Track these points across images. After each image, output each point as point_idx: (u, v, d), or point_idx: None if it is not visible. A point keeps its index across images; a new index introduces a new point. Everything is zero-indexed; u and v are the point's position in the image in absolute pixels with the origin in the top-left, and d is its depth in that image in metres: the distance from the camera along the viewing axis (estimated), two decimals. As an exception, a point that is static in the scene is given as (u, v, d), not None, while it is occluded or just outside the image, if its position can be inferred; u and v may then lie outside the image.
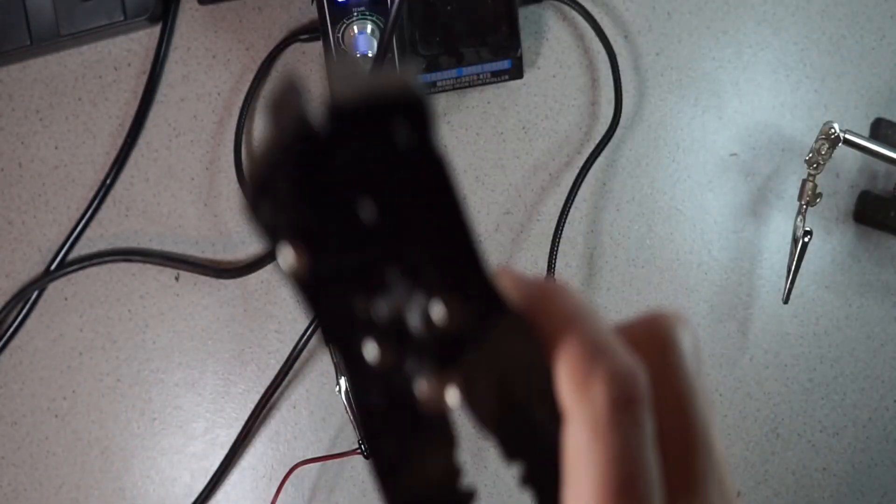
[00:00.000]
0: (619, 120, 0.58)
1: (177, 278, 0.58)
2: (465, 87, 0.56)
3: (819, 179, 0.56)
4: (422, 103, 0.17)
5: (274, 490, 0.57)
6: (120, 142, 0.57)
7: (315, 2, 0.51)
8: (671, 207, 0.60)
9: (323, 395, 0.59)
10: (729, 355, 0.62)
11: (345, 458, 0.58)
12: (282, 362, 0.58)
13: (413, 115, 0.17)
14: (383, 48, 0.48)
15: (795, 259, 0.57)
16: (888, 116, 0.60)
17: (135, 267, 0.58)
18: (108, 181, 0.57)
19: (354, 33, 0.50)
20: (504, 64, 0.55)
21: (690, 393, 0.21)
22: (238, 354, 0.59)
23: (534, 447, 0.21)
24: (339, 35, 0.51)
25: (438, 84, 0.55)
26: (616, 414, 0.19)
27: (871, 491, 0.63)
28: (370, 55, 0.50)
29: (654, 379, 0.20)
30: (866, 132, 0.60)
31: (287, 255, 0.18)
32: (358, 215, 0.18)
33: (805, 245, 0.57)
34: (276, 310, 0.58)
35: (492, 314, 0.20)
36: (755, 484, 0.63)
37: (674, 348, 0.21)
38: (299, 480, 0.59)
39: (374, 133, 0.17)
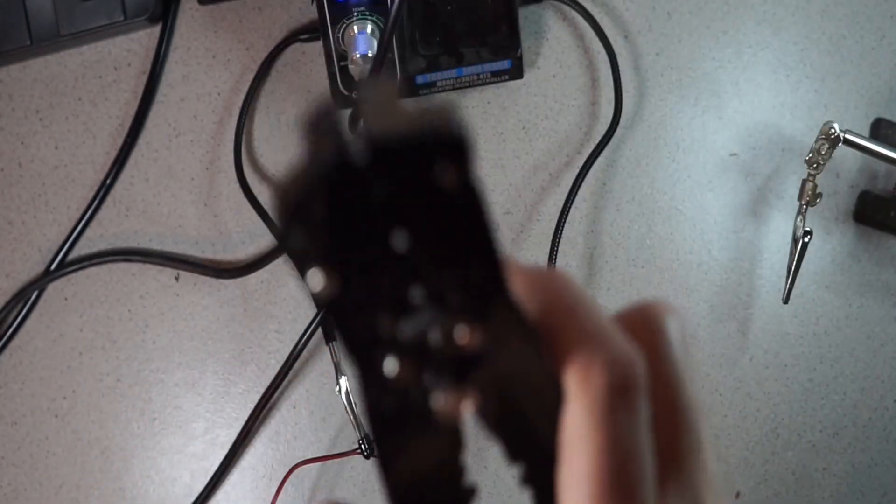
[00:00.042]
0: (619, 120, 0.58)
1: (177, 278, 0.58)
2: (465, 87, 0.56)
3: (819, 179, 0.56)
4: (465, 143, 0.17)
5: (274, 490, 0.57)
6: (120, 142, 0.57)
7: (315, 2, 0.51)
8: (671, 207, 0.60)
9: (323, 395, 0.59)
10: (729, 355, 0.62)
11: (345, 458, 0.58)
12: (282, 362, 0.58)
13: (455, 155, 0.17)
14: (383, 48, 0.48)
15: (795, 259, 0.57)
16: (888, 116, 0.61)
17: (135, 267, 0.58)
18: (108, 181, 0.57)
19: (354, 33, 0.50)
20: (504, 64, 0.55)
21: (678, 379, 0.21)
22: (238, 354, 0.59)
23: (535, 447, 0.21)
24: (339, 35, 0.51)
25: (438, 84, 0.55)
26: (614, 399, 0.19)
27: (871, 491, 0.63)
28: (370, 55, 0.50)
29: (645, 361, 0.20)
30: (866, 132, 0.60)
31: (317, 280, 0.18)
32: (390, 244, 0.18)
33: (805, 245, 0.57)
34: (276, 310, 0.58)
35: (509, 326, 0.20)
36: (755, 484, 0.63)
37: (662, 336, 0.22)
38: (299, 480, 0.59)
39: (415, 169, 0.17)
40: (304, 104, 0.58)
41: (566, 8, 0.58)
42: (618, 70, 0.58)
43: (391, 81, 0.51)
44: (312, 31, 0.56)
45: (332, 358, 0.56)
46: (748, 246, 0.61)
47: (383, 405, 0.20)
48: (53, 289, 0.57)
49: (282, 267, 0.58)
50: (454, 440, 0.21)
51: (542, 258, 0.59)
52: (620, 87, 0.58)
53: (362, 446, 0.56)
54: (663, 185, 0.60)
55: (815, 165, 0.55)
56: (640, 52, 0.59)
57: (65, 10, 0.53)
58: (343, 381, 0.55)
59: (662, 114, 0.60)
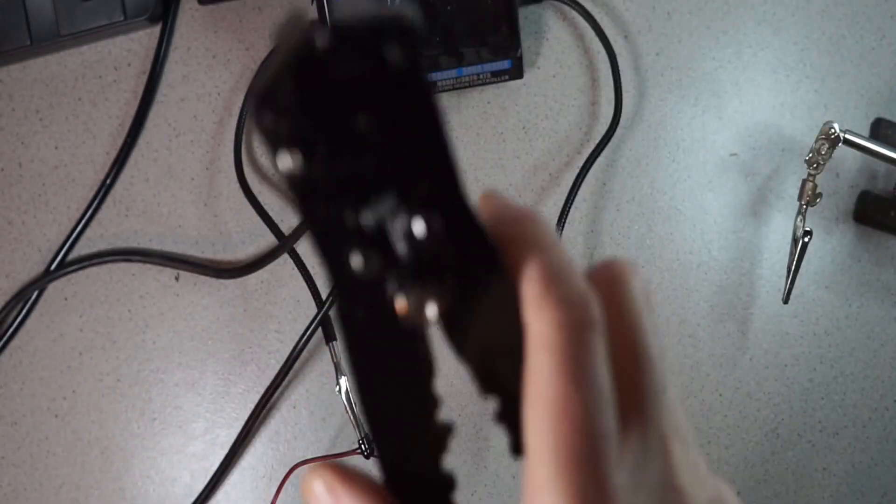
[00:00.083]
0: (619, 120, 0.58)
1: (177, 278, 0.58)
2: (465, 87, 0.56)
3: (819, 179, 0.56)
4: (412, 30, 0.19)
5: (274, 490, 0.57)
6: (120, 142, 0.57)
7: (315, 2, 0.51)
8: (671, 207, 0.60)
9: (323, 395, 0.59)
10: (729, 355, 0.62)
11: (345, 458, 0.58)
12: (282, 362, 0.58)
13: (404, 40, 0.19)
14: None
15: (795, 259, 0.57)
16: (888, 116, 0.61)
17: (135, 267, 0.58)
18: (108, 181, 0.57)
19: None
20: (504, 64, 0.55)
21: (639, 325, 0.22)
22: (238, 354, 0.59)
23: (507, 384, 0.22)
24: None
25: (438, 84, 0.55)
26: (569, 334, 0.20)
27: (871, 491, 0.63)
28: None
29: (606, 311, 0.21)
30: (866, 132, 0.60)
31: (285, 160, 0.20)
32: (351, 128, 0.20)
33: (805, 245, 0.57)
34: (276, 310, 0.58)
35: (469, 238, 0.21)
36: (755, 484, 0.63)
37: (624, 286, 0.23)
38: (299, 480, 0.59)
39: (369, 52, 0.19)
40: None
41: (566, 8, 0.58)
42: (618, 70, 0.58)
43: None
44: (312, 31, 0.56)
45: (332, 358, 0.56)
46: (748, 246, 0.61)
47: (354, 312, 0.21)
48: (53, 289, 0.57)
49: (282, 267, 0.58)
50: (424, 360, 0.22)
51: (542, 258, 0.59)
52: (620, 87, 0.58)
53: (362, 446, 0.56)
54: (663, 185, 0.60)
55: (815, 165, 0.55)
56: (640, 52, 0.59)
57: (65, 10, 0.53)
58: (343, 381, 0.55)
59: (662, 114, 0.60)
